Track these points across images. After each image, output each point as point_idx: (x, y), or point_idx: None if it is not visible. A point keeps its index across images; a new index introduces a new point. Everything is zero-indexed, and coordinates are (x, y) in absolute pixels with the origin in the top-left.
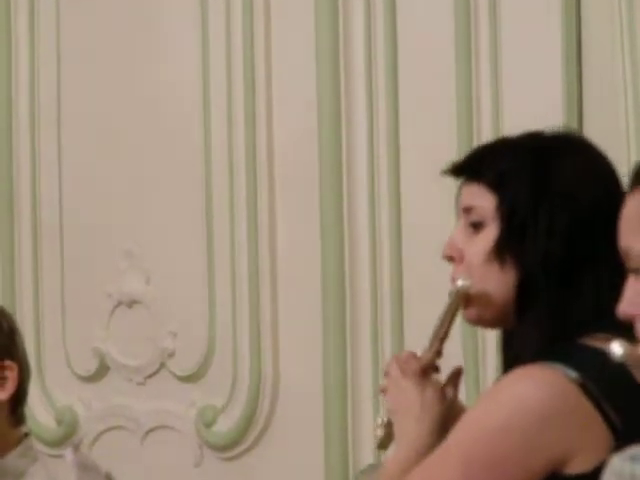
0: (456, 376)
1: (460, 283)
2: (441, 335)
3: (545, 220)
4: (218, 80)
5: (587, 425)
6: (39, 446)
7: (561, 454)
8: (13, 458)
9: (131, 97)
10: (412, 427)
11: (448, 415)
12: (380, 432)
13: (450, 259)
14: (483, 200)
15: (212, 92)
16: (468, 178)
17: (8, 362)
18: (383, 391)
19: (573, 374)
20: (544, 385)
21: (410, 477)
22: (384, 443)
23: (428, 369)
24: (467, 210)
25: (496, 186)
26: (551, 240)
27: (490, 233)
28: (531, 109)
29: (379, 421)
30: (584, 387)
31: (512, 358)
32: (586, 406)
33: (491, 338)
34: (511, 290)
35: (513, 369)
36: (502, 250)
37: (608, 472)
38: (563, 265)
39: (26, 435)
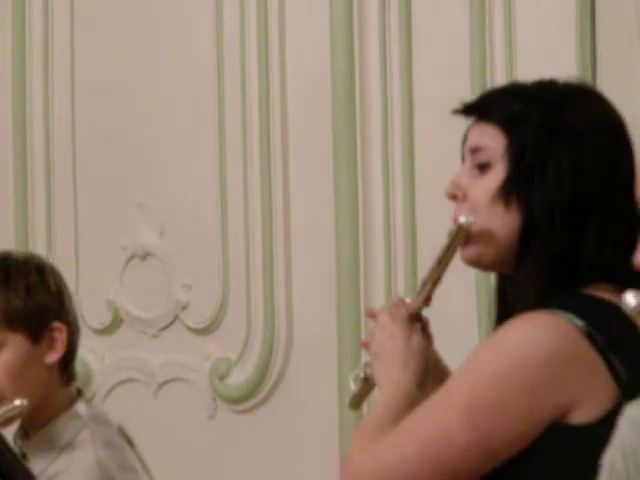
0: (425, 325)
1: (463, 219)
2: (434, 278)
3: (553, 165)
4: (232, 32)
5: (592, 374)
6: None
7: (565, 402)
8: (60, 424)
9: (146, 49)
10: (397, 372)
11: (429, 364)
12: (355, 388)
13: (453, 198)
14: (492, 140)
15: (225, 44)
16: (478, 118)
17: (57, 324)
18: (365, 345)
19: (579, 322)
20: (550, 332)
21: (410, 420)
22: (356, 401)
23: (416, 316)
24: (474, 150)
25: (507, 127)
26: (558, 186)
27: (497, 174)
28: (545, 64)
29: (355, 375)
30: (590, 336)
31: (509, 303)
32: (592, 355)
33: None
34: (514, 232)
35: (510, 314)
36: (508, 191)
37: (625, 422)
38: (568, 212)
39: (79, 393)
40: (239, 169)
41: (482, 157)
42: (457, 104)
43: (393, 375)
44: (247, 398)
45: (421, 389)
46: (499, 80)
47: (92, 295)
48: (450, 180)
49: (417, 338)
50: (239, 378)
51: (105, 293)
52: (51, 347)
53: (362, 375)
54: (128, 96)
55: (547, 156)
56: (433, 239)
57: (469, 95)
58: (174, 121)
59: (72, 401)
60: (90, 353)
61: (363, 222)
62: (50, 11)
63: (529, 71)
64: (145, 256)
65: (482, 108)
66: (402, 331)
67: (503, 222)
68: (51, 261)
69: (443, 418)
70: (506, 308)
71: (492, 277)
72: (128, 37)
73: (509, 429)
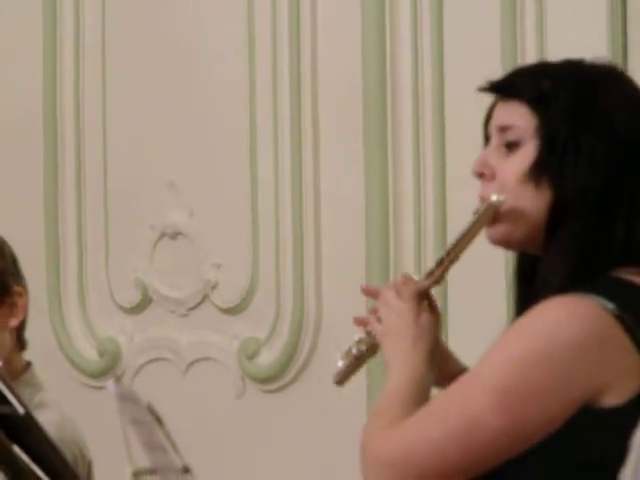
0: (433, 302)
1: (495, 198)
2: (452, 256)
3: (586, 147)
4: (263, 20)
5: (623, 357)
6: (81, 377)
7: (596, 386)
8: (20, 386)
9: (179, 36)
10: (407, 351)
11: (438, 342)
12: (342, 364)
13: (481, 176)
14: (522, 119)
15: (257, 27)
16: (506, 96)
17: (17, 288)
18: (361, 322)
19: (610, 305)
20: (582, 315)
21: (436, 405)
22: (343, 377)
23: (425, 294)
24: (503, 129)
25: (538, 105)
26: (591, 169)
27: (527, 153)
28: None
29: (346, 351)
30: (621, 319)
31: (536, 284)
32: (622, 338)
33: None
34: (544, 212)
35: (537, 295)
36: (539, 171)
37: None
38: (599, 195)
39: (29, 363)
40: (270, 149)
41: (511, 136)
42: (489, 98)
43: (403, 354)
44: (275, 378)
45: (432, 368)
46: (529, 59)
47: (121, 274)
48: (477, 158)
49: (426, 316)
50: (268, 358)
51: (134, 272)
52: (12, 311)
53: (354, 352)
54: (160, 77)
55: (579, 138)
56: (463, 215)
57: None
58: (205, 100)
59: (26, 367)
60: (119, 332)
61: (393, 203)
62: (81, 9)
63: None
64: (175, 235)
65: (511, 86)
66: (410, 309)
67: (533, 202)
68: (82, 239)
69: (474, 402)
70: (531, 289)
71: None
72: (159, 26)
73: (541, 413)
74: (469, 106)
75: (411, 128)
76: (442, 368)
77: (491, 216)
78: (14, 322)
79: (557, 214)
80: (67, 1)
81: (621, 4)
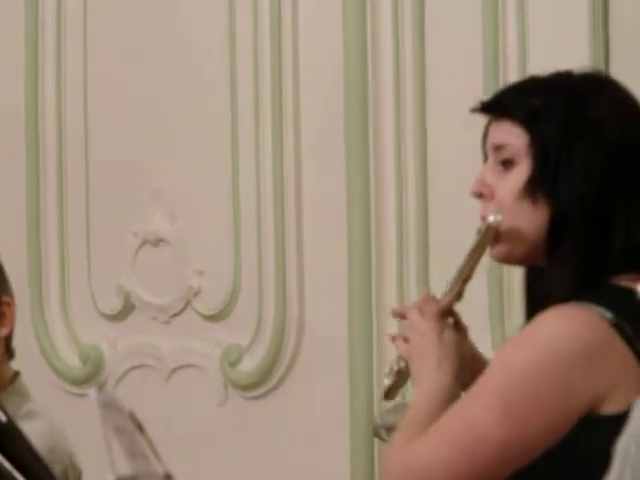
0: (457, 318)
1: (492, 219)
2: (465, 275)
3: (579, 158)
4: (244, 20)
5: (622, 365)
6: (63, 385)
7: (597, 394)
8: (8, 396)
9: (160, 41)
10: (433, 371)
11: (464, 358)
12: (387, 381)
13: (479, 196)
14: (514, 137)
15: (238, 33)
16: (498, 115)
17: (5, 298)
18: (394, 339)
19: (607, 314)
20: (580, 325)
21: (442, 421)
22: (391, 393)
23: (446, 312)
24: (497, 148)
25: (528, 123)
26: (586, 179)
27: (522, 171)
28: (558, 57)
29: (389, 369)
30: (618, 327)
31: (540, 297)
32: (620, 346)
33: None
34: (542, 227)
35: (542, 307)
36: (535, 188)
37: (635, 409)
38: (596, 204)
39: (17, 373)
40: (251, 156)
41: (505, 154)
42: (470, 99)
43: (428, 374)
44: (258, 385)
45: (458, 385)
46: (512, 73)
47: (104, 281)
48: (475, 178)
49: (449, 333)
50: (250, 365)
51: (117, 279)
52: (1, 322)
53: (395, 368)
54: (142, 83)
55: (572, 149)
56: (444, 228)
57: (481, 90)
58: (186, 107)
59: (14, 376)
60: (102, 339)
61: (375, 210)
62: (63, 8)
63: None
64: (157, 242)
65: (501, 105)
66: (434, 328)
67: (531, 219)
68: (64, 247)
69: (477, 417)
70: (535, 301)
71: (504, 271)
72: (141, 27)
73: (545, 423)
74: (451, 107)
75: (392, 129)
76: (475, 374)
77: (492, 236)
78: (3, 332)
79: (556, 227)
80: (49, 2)
81: (602, 13)
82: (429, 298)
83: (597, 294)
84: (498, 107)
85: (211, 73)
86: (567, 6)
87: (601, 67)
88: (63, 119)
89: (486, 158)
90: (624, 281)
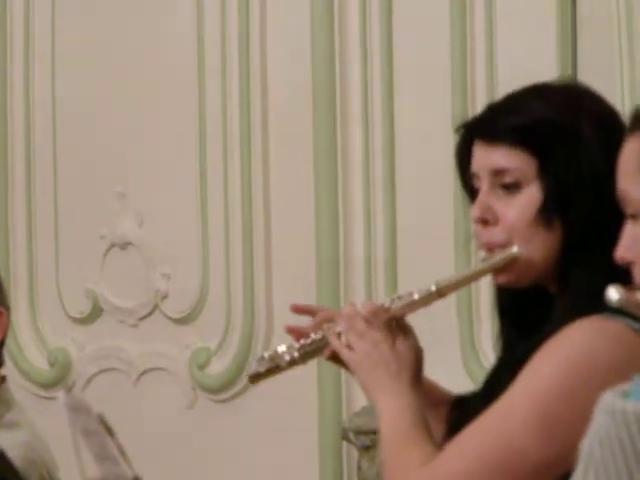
0: (402, 324)
1: (516, 250)
2: (444, 293)
3: (589, 176)
4: (213, 26)
5: None
6: (32, 388)
7: None
8: None
9: (128, 40)
10: (393, 383)
11: (417, 361)
12: (260, 367)
13: (484, 222)
14: (518, 161)
15: (206, 34)
16: (492, 139)
17: None
18: (296, 333)
19: (637, 325)
20: (612, 336)
21: (467, 442)
22: (257, 379)
23: (395, 320)
24: (498, 172)
25: (533, 146)
26: (597, 196)
27: (532, 195)
28: (525, 56)
29: (268, 355)
30: None
31: (555, 316)
32: None
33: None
34: (556, 250)
35: (556, 327)
36: (550, 212)
37: (598, 409)
38: (609, 217)
39: (3, 378)
40: (219, 160)
41: (508, 178)
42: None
43: (386, 385)
44: (226, 387)
45: (416, 392)
46: (479, 69)
47: (72, 284)
48: (476, 203)
49: (401, 342)
50: (218, 368)
51: (85, 282)
52: None
53: (278, 361)
54: (109, 86)
55: (581, 168)
56: (412, 228)
57: (448, 84)
58: (154, 111)
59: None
60: (70, 342)
61: (343, 211)
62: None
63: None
64: (125, 245)
65: (494, 129)
66: (385, 337)
67: (545, 243)
68: (32, 250)
69: (514, 435)
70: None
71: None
72: (111, 25)
73: (581, 439)
74: (418, 109)
75: (360, 133)
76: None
77: (505, 264)
78: None
79: (572, 247)
80: (16, 6)
81: (571, 12)
82: (376, 307)
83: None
84: (490, 130)
85: (179, 76)
86: (535, 10)
87: (568, 66)
88: (31, 122)
89: (463, 176)
90: None
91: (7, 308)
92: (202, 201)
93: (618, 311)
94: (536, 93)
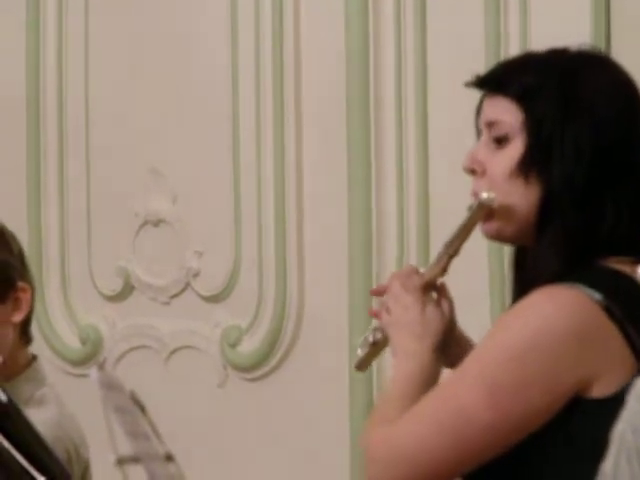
0: (444, 291)
1: (485, 196)
2: (451, 251)
3: (572, 138)
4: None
5: (611, 347)
6: (63, 365)
7: (586, 376)
8: (21, 382)
9: (161, 26)
10: (413, 344)
11: (447, 333)
12: (361, 352)
13: (472, 172)
14: (508, 114)
15: (240, 16)
16: (492, 91)
17: (22, 284)
18: (375, 314)
19: (597, 295)
20: (568, 306)
21: (425, 404)
22: (364, 364)
23: (430, 286)
24: (491, 124)
25: (523, 100)
26: (577, 159)
27: (515, 148)
28: (559, 33)
29: (363, 339)
30: (608, 309)
31: (527, 277)
32: (610, 328)
33: None
34: (533, 206)
35: (529, 288)
36: (527, 166)
37: (634, 397)
38: (587, 185)
39: (34, 357)
40: (252, 137)
41: (498, 131)
42: (470, 75)
43: (409, 348)
44: (257, 366)
45: (439, 361)
46: (513, 50)
47: (104, 261)
48: (467, 154)
49: (431, 308)
50: (250, 346)
51: (117, 259)
52: (16, 307)
53: (370, 339)
54: (144, 63)
55: (565, 129)
56: (445, 207)
57: (482, 66)
58: (188, 88)
59: (30, 362)
60: (101, 319)
61: (376, 190)
62: None
63: (543, 40)
64: (157, 223)
65: (496, 81)
66: (416, 302)
67: (522, 197)
68: (64, 227)
69: (462, 399)
70: (522, 281)
71: (505, 250)
72: (144, 24)
73: (531, 405)
74: (452, 114)
75: (394, 131)
76: (457, 353)
77: (484, 213)
78: (17, 317)
79: (547, 207)
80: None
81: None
82: (412, 271)
83: (586, 275)
84: (492, 82)
85: (213, 58)
86: None
87: (602, 44)
88: (64, 99)
89: (479, 133)
90: (612, 263)
91: (32, 286)
92: (235, 179)
93: (583, 280)
94: (547, 54)
